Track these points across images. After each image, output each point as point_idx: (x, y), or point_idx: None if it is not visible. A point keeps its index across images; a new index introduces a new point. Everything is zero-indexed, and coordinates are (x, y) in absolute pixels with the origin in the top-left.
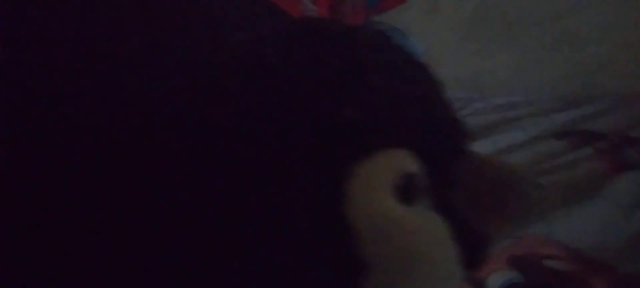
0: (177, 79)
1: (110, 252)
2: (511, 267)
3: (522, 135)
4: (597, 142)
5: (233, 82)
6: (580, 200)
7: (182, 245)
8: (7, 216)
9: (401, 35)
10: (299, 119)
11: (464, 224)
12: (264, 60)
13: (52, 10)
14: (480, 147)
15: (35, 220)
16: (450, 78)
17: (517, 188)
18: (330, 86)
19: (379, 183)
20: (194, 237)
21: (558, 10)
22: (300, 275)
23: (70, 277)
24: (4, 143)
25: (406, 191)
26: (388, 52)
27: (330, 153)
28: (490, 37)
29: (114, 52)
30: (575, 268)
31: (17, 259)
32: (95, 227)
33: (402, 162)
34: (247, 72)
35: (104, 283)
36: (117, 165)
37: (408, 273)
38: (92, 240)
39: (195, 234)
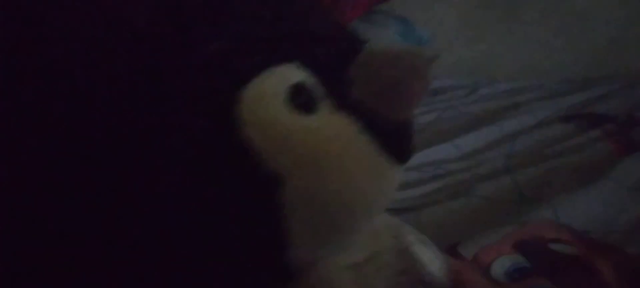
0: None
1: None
2: (517, 252)
3: (530, 119)
4: (604, 124)
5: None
6: (585, 184)
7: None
8: None
9: (406, 23)
10: (171, 69)
11: (372, 115)
12: (130, 22)
13: None
14: (487, 133)
15: None
16: (456, 64)
17: (415, 67)
18: (195, 26)
19: (268, 100)
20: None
21: None
22: (219, 203)
23: None
24: None
25: (304, 101)
26: None
27: (210, 90)
28: (495, 22)
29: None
30: (581, 252)
31: None
32: None
33: (287, 75)
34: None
35: None
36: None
37: (319, 173)
38: None
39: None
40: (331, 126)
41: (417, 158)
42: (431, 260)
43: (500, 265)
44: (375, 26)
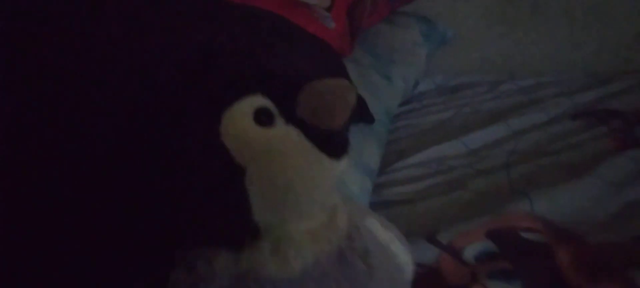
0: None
1: None
2: (488, 239)
3: (541, 116)
4: (612, 120)
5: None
6: (569, 178)
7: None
8: None
9: (429, 23)
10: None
11: (310, 127)
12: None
13: None
14: (496, 130)
15: None
16: (480, 62)
17: (339, 94)
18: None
19: (240, 116)
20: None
21: None
22: (207, 183)
23: None
24: None
25: (265, 118)
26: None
27: (207, 110)
28: (519, 18)
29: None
30: (546, 240)
31: None
32: None
33: (254, 101)
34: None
35: None
36: None
37: (270, 163)
38: None
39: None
40: (282, 133)
41: (425, 155)
42: (390, 238)
43: (472, 250)
44: (398, 28)
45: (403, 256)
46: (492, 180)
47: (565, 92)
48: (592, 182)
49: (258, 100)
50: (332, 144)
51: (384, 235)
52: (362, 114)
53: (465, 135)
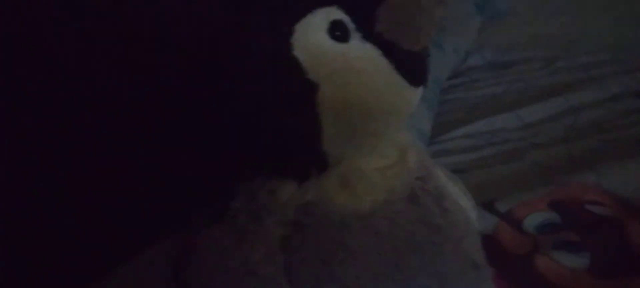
0: None
1: None
2: (551, 210)
3: (602, 93)
4: None
5: None
6: (637, 154)
7: None
8: None
9: None
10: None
11: (390, 45)
12: None
13: None
14: (553, 104)
15: None
16: (535, 38)
17: (425, 8)
18: None
19: (313, 29)
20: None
21: None
22: (278, 98)
23: None
24: None
25: (340, 33)
26: None
27: (279, 19)
28: None
29: None
30: (615, 214)
31: None
32: None
33: (329, 14)
34: None
35: None
36: None
37: (346, 83)
38: None
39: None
40: (359, 50)
41: (476, 127)
42: (456, 192)
43: (532, 220)
44: None
45: (470, 210)
46: (551, 153)
47: (625, 70)
48: None
49: (333, 13)
50: (413, 68)
51: (451, 187)
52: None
53: (520, 109)
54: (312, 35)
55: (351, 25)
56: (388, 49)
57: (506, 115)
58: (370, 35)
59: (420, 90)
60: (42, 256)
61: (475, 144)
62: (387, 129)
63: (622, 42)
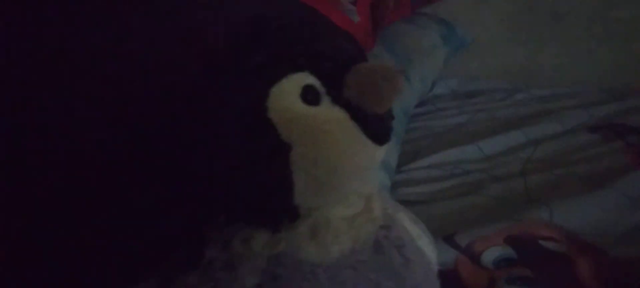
0: None
1: None
2: (507, 245)
3: (558, 127)
4: (629, 136)
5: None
6: (589, 190)
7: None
8: None
9: (448, 26)
10: (230, 71)
11: (357, 109)
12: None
13: None
14: (512, 137)
15: None
16: (497, 69)
17: (388, 77)
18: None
19: (287, 94)
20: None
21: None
22: (253, 156)
23: None
24: None
25: (312, 97)
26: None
27: (256, 83)
28: (539, 28)
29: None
30: (567, 249)
31: None
32: None
33: (301, 79)
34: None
35: None
36: None
37: (316, 142)
38: None
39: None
40: (328, 113)
41: (440, 157)
42: (418, 234)
43: (490, 254)
44: (418, 28)
45: (430, 252)
46: (509, 186)
47: (581, 104)
48: (610, 195)
49: (306, 78)
50: (377, 129)
51: (413, 229)
52: None
53: (481, 140)
54: (286, 99)
55: (322, 90)
56: (355, 112)
57: (469, 146)
58: (339, 99)
59: (384, 148)
60: None
61: (439, 174)
62: (353, 183)
63: (579, 77)
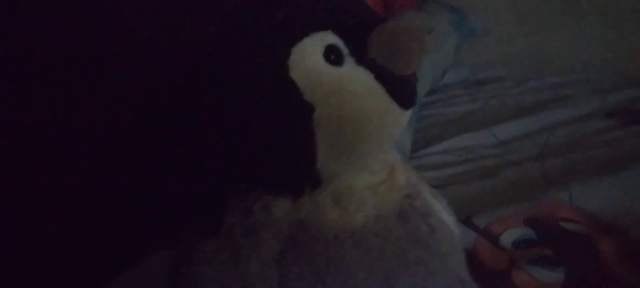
0: None
1: None
2: (526, 226)
3: (573, 112)
4: None
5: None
6: (608, 172)
7: None
8: None
9: (458, 13)
10: (251, 30)
11: (382, 69)
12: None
13: None
14: (526, 123)
15: None
16: (509, 55)
17: (415, 36)
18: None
19: (309, 53)
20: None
21: None
22: (272, 120)
23: None
24: None
25: (335, 57)
26: None
27: (276, 42)
28: (551, 14)
29: None
30: (587, 230)
31: None
32: None
33: (324, 38)
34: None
35: None
36: None
37: (340, 104)
38: None
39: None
40: (353, 74)
41: (453, 143)
42: (440, 209)
43: (509, 236)
44: (428, 15)
45: (454, 227)
46: (525, 170)
47: (596, 90)
48: (631, 177)
49: (329, 37)
50: (403, 92)
51: (435, 204)
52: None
53: (494, 126)
54: (308, 59)
55: (345, 50)
56: (380, 73)
57: (482, 132)
58: (363, 59)
59: (409, 112)
60: (40, 268)
61: (451, 160)
62: (378, 149)
63: (592, 64)
